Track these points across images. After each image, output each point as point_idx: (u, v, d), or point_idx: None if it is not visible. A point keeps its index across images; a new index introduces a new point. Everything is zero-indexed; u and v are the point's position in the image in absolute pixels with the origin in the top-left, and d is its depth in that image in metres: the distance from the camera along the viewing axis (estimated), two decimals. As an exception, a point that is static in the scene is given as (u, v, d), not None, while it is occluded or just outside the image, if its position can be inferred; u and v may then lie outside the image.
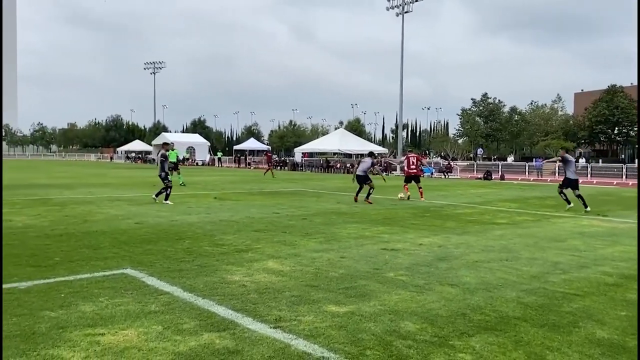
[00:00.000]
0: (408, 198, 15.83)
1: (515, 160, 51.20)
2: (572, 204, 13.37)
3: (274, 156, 54.64)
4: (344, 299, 4.98)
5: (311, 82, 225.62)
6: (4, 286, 5.16)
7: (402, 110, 48.04)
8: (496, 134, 71.55)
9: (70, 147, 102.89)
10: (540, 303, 4.94)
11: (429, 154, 70.54)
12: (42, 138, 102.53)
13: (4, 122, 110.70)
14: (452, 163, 41.78)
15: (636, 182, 27.16)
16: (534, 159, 45.70)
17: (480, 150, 58.27)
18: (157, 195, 14.11)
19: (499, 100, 72.22)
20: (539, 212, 13.13)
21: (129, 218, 10.71)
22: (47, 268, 6.02)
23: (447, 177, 36.48)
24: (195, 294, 5.01)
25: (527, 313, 4.63)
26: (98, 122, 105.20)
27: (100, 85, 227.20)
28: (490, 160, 54.48)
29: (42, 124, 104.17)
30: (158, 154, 15.44)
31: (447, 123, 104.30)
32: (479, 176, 35.64)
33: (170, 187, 14.11)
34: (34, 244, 7.56)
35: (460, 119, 73.40)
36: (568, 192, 13.53)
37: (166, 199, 13.92)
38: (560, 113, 71.54)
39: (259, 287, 5.35)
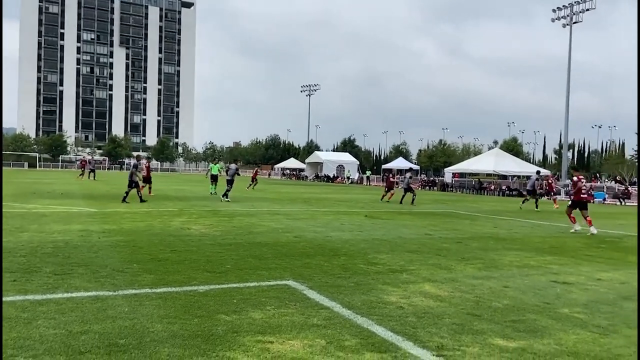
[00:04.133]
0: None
1: None
2: None
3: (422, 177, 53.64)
4: (512, 332, 4.59)
5: (462, 100, 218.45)
6: (186, 288, 5.78)
7: (568, 129, 43.77)
8: (687, 155, 61.32)
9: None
10: None
11: (600, 177, 62.89)
12: (212, 155, 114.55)
13: (183, 140, 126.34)
14: (630, 188, 36.72)
15: None
16: None
17: (666, 174, 50.27)
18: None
19: (691, 115, 61.90)
20: None
21: (287, 231, 11.33)
22: (220, 274, 6.60)
23: (623, 203, 32.15)
24: (354, 312, 5.04)
25: None
26: (259, 141, 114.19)
27: (261, 107, 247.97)
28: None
29: (212, 143, 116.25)
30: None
31: (623, 143, 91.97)
32: (665, 204, 30.71)
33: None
34: (209, 251, 8.38)
35: (640, 137, 64.41)
36: None
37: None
38: None
39: (417, 310, 5.20)
